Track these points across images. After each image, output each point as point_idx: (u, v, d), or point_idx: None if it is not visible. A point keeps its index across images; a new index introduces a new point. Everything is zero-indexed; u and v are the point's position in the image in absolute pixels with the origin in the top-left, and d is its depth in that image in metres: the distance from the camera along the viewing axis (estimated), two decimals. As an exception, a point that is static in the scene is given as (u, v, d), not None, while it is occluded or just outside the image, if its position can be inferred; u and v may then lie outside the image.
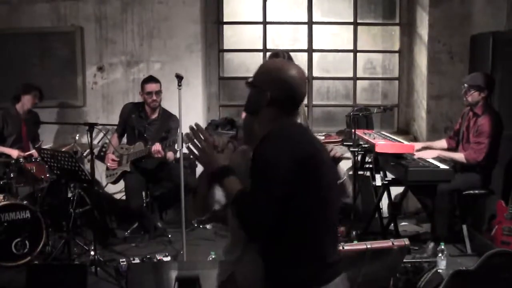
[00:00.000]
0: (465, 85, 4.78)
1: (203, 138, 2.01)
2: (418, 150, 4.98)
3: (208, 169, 2.01)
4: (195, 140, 2.02)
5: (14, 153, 5.08)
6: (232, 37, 6.65)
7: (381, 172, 5.10)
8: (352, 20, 6.51)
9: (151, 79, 5.23)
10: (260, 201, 1.85)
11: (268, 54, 6.51)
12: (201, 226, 5.69)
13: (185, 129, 4.49)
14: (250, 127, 2.09)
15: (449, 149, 5.10)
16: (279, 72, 2.03)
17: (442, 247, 4.26)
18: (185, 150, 4.87)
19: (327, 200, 2.01)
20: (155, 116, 5.30)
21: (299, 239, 1.96)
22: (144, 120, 5.29)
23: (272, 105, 2.00)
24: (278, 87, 2.00)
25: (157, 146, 4.92)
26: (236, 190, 1.92)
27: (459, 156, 4.76)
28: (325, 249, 2.02)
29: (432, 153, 4.87)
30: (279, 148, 1.91)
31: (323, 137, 5.45)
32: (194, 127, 2.03)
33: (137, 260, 4.40)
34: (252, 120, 2.08)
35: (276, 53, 5.14)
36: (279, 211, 1.87)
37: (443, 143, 5.18)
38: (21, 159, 5.02)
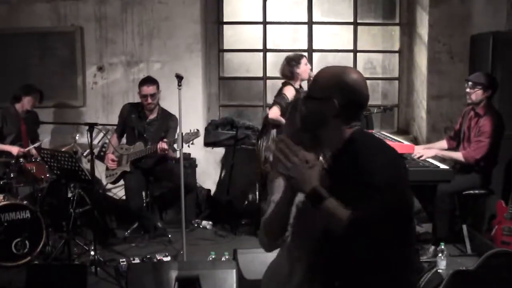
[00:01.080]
0: (469, 82, 4.75)
1: (294, 152, 1.77)
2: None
3: (301, 189, 1.79)
4: (283, 155, 1.78)
5: (14, 150, 5.09)
6: (232, 37, 6.65)
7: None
8: (352, 20, 6.51)
9: (146, 81, 5.20)
10: (378, 213, 1.76)
11: (268, 54, 6.54)
12: (201, 226, 5.70)
13: (185, 129, 4.54)
14: (304, 141, 1.96)
15: (449, 149, 5.09)
16: (341, 77, 1.94)
17: (442, 247, 4.26)
18: (185, 150, 4.90)
19: (411, 205, 1.97)
20: (154, 116, 5.30)
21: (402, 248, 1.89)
22: (143, 120, 5.29)
23: (341, 113, 1.91)
24: (345, 93, 1.91)
25: (162, 144, 4.92)
26: (344, 211, 1.75)
27: (457, 155, 4.76)
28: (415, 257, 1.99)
29: (431, 152, 4.86)
30: (388, 159, 1.87)
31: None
32: (281, 140, 1.80)
33: (137, 260, 4.40)
34: (309, 135, 1.98)
35: (300, 55, 5.22)
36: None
37: (443, 144, 5.17)
38: (21, 159, 5.02)
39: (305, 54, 6.46)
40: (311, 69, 5.26)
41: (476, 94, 4.70)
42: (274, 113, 5.02)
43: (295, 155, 1.76)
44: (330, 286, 1.88)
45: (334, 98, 1.90)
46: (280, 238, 1.94)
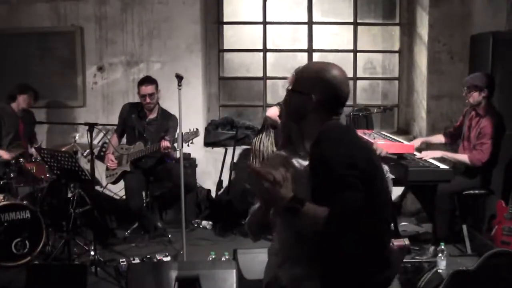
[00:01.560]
0: (464, 87, 4.78)
1: (263, 177, 1.80)
2: (419, 149, 4.97)
3: (277, 208, 1.85)
4: (256, 181, 1.83)
5: (5, 155, 5.04)
6: (232, 37, 6.65)
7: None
8: (352, 20, 6.51)
9: (145, 81, 5.21)
10: (349, 201, 1.81)
11: (268, 54, 6.53)
12: (201, 226, 5.70)
13: (184, 129, 4.54)
14: (292, 133, 2.06)
15: (446, 144, 5.09)
16: (321, 73, 2.01)
17: (442, 247, 4.26)
18: (185, 150, 4.90)
19: (381, 200, 1.99)
20: (153, 116, 5.30)
21: (361, 241, 1.91)
22: (143, 120, 5.29)
23: (318, 108, 1.98)
24: (323, 89, 1.98)
25: (165, 142, 4.91)
26: (321, 212, 1.79)
27: (463, 157, 4.75)
28: (384, 250, 2.03)
29: (436, 153, 4.86)
30: (349, 150, 1.90)
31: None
32: (252, 169, 1.83)
33: (137, 260, 4.40)
34: (295, 127, 2.05)
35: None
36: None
37: (440, 138, 5.17)
38: (21, 159, 5.02)
39: (305, 54, 6.49)
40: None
41: (473, 97, 4.72)
42: (272, 112, 5.01)
43: (266, 180, 1.78)
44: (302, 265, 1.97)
45: (313, 93, 1.97)
46: (261, 236, 2.12)
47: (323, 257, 1.91)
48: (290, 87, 2.07)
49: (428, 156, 4.79)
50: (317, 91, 1.97)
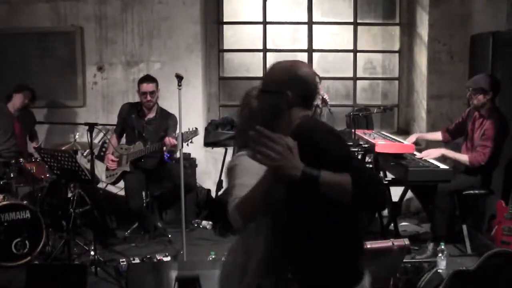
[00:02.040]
0: (470, 89, 4.76)
1: (275, 141, 1.75)
2: (419, 149, 4.96)
3: (291, 176, 1.78)
4: (264, 144, 1.76)
5: None
6: (232, 37, 6.65)
7: (381, 172, 5.10)
8: (352, 20, 6.51)
9: (146, 79, 5.21)
10: (375, 175, 1.99)
11: (268, 54, 6.53)
12: (201, 226, 5.70)
13: (184, 128, 4.54)
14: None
15: (444, 142, 5.09)
16: (292, 71, 2.06)
17: (442, 247, 4.25)
18: (185, 150, 4.89)
19: None
20: (152, 115, 5.30)
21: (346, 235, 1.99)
22: (142, 119, 5.29)
23: (294, 104, 2.02)
24: (296, 85, 2.02)
25: (171, 140, 4.91)
26: (346, 179, 1.82)
27: (464, 158, 4.74)
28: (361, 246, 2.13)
29: (437, 153, 4.86)
30: (340, 137, 2.04)
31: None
32: (259, 130, 1.77)
33: (137, 260, 4.40)
34: (270, 125, 2.01)
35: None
36: None
37: (438, 135, 5.17)
38: (21, 159, 5.02)
39: (305, 54, 6.49)
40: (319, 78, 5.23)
41: (478, 99, 4.69)
42: None
43: (278, 144, 1.76)
44: (284, 271, 2.00)
45: (288, 91, 2.00)
46: (254, 219, 2.04)
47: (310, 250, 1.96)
48: (262, 88, 2.09)
49: (429, 156, 4.79)
50: (292, 88, 2.01)
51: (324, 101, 5.05)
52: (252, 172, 2.01)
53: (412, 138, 5.13)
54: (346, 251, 2.00)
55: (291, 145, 1.78)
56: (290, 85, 2.02)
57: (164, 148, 5.10)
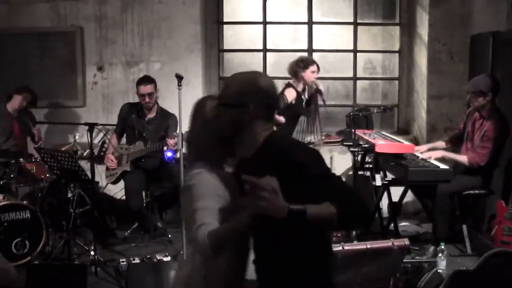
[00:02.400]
0: (469, 92, 4.76)
1: (260, 187, 1.73)
2: (417, 146, 4.97)
3: (279, 216, 1.75)
4: (252, 193, 1.75)
5: None
6: (232, 37, 6.65)
7: (381, 172, 5.10)
8: (352, 20, 6.51)
9: (143, 80, 5.21)
10: (357, 194, 1.92)
11: (268, 54, 6.53)
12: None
13: (184, 128, 4.51)
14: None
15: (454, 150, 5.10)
16: (253, 83, 2.00)
17: (442, 247, 4.26)
18: (185, 150, 4.88)
19: None
20: (152, 115, 5.30)
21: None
22: (142, 119, 5.29)
23: (256, 117, 1.98)
24: (259, 97, 1.98)
25: (172, 140, 4.89)
26: (330, 208, 1.81)
27: (463, 158, 4.75)
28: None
29: (437, 153, 4.86)
30: (315, 152, 2.03)
31: (324, 137, 5.50)
32: (246, 179, 1.75)
33: (137, 260, 4.39)
34: (231, 140, 2.05)
35: (304, 58, 5.18)
36: None
37: (442, 144, 5.17)
38: (21, 159, 5.02)
39: (305, 54, 6.49)
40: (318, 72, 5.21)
41: (478, 101, 4.70)
42: None
43: (264, 190, 1.72)
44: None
45: (250, 103, 1.96)
46: (224, 251, 1.99)
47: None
48: (222, 102, 2.03)
49: (432, 157, 4.79)
50: (253, 100, 1.97)
51: (318, 91, 5.04)
52: (212, 192, 2.02)
53: (424, 148, 5.10)
54: (315, 266, 1.99)
55: (275, 186, 1.74)
56: (251, 98, 1.97)
57: (165, 148, 5.10)
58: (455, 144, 5.09)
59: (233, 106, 1.98)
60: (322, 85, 5.09)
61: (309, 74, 5.06)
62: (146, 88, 5.15)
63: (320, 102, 5.10)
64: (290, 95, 5.03)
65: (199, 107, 2.19)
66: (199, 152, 2.14)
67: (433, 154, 4.85)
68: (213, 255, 1.95)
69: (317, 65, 5.13)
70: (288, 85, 5.13)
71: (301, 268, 1.98)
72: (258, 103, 1.97)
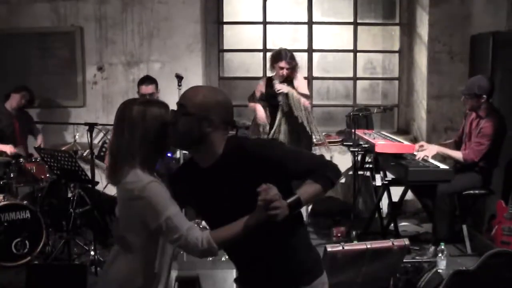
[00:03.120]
0: (463, 96, 4.79)
1: (275, 198, 1.94)
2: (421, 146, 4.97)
3: (285, 214, 1.98)
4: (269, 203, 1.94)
5: (8, 149, 5.07)
6: (232, 37, 6.65)
7: (381, 172, 5.10)
8: (352, 20, 6.51)
9: (145, 80, 5.21)
10: (328, 161, 2.16)
11: (268, 54, 6.52)
12: (201, 226, 5.69)
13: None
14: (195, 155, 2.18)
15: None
16: (214, 96, 2.09)
17: (442, 247, 4.26)
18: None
19: None
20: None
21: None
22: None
23: (215, 128, 2.06)
24: (220, 110, 2.07)
25: None
26: (314, 185, 2.06)
27: (458, 154, 4.77)
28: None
29: (432, 150, 4.86)
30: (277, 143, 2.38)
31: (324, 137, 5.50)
32: (264, 200, 1.94)
33: (137, 260, 4.39)
34: (190, 148, 2.16)
35: (278, 52, 5.18)
36: None
37: (451, 144, 5.17)
38: (21, 159, 5.02)
39: (305, 54, 6.49)
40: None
41: (471, 103, 4.73)
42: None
43: (278, 201, 1.93)
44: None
45: (212, 115, 2.04)
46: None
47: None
48: (184, 110, 2.08)
49: (427, 154, 4.79)
50: (215, 113, 2.05)
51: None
52: (169, 199, 2.08)
53: (433, 151, 5.11)
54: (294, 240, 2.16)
55: (277, 191, 1.93)
56: (213, 110, 2.05)
57: None
58: (459, 147, 5.09)
59: (193, 116, 2.04)
60: (284, 89, 5.10)
61: (277, 69, 5.15)
62: (148, 88, 5.15)
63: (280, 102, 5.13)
64: (257, 90, 5.32)
65: (127, 112, 2.17)
66: (129, 156, 2.12)
67: (428, 152, 4.84)
68: (215, 254, 2.10)
69: (289, 62, 5.11)
70: (263, 78, 5.40)
71: (283, 249, 2.14)
72: (218, 116, 2.06)
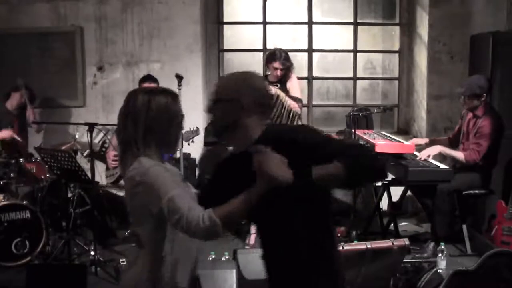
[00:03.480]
0: (462, 96, 4.79)
1: (283, 162, 1.85)
2: (417, 146, 4.97)
3: (289, 180, 1.85)
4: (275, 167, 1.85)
5: (6, 134, 5.06)
6: (232, 37, 6.65)
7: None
8: (352, 20, 6.51)
9: (147, 78, 5.22)
10: (360, 145, 2.11)
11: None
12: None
13: (185, 128, 4.52)
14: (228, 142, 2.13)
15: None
16: (244, 80, 2.07)
17: (442, 247, 4.26)
18: (185, 150, 4.89)
19: None
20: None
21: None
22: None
23: (248, 111, 2.03)
24: (249, 92, 2.03)
25: None
26: (336, 164, 1.89)
27: (460, 155, 4.78)
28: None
29: (435, 149, 4.86)
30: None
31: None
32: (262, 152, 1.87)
33: (137, 260, 4.39)
34: (224, 134, 2.10)
35: (273, 52, 5.17)
36: None
37: (445, 140, 5.18)
38: (21, 159, 5.02)
39: (305, 54, 6.49)
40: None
41: (473, 103, 4.73)
42: None
43: (283, 163, 1.83)
44: None
45: (241, 99, 2.01)
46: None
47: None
48: (214, 98, 2.10)
49: (429, 154, 4.80)
50: (244, 95, 2.02)
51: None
52: (172, 181, 1.99)
53: (422, 141, 5.13)
54: (323, 258, 2.04)
55: (280, 156, 1.85)
56: (242, 93, 2.02)
57: None
58: (454, 146, 5.10)
59: (224, 101, 2.04)
60: (273, 91, 5.08)
61: (271, 69, 5.14)
62: (150, 87, 5.14)
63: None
64: None
65: (131, 101, 2.12)
66: (133, 146, 2.07)
67: (431, 151, 4.84)
68: (223, 233, 1.94)
69: (283, 62, 5.09)
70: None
71: (309, 261, 2.01)
72: (249, 99, 2.02)
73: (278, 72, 5.09)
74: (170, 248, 2.10)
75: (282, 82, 5.15)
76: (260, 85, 2.08)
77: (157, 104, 2.08)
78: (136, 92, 2.15)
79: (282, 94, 5.03)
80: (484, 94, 4.69)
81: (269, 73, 5.21)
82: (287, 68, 5.12)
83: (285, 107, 4.95)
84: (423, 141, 5.24)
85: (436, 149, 4.87)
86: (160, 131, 2.08)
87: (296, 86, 5.21)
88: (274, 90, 5.06)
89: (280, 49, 5.19)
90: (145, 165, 2.01)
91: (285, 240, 2.04)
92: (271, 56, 5.12)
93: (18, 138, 5.19)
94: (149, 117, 2.06)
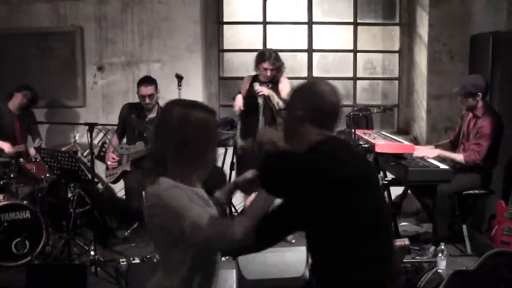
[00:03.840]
0: (459, 96, 4.81)
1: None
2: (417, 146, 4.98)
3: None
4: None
5: (6, 146, 5.07)
6: (232, 37, 6.65)
7: (381, 172, 5.10)
8: (352, 20, 6.51)
9: (144, 81, 5.22)
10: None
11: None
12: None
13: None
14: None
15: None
16: (307, 87, 2.09)
17: (442, 247, 4.25)
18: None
19: (378, 205, 2.05)
20: (153, 115, 5.30)
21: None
22: (143, 119, 5.29)
23: (305, 122, 2.01)
24: (307, 100, 2.03)
25: None
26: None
27: (459, 157, 4.78)
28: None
29: (433, 152, 4.87)
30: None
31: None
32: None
33: (137, 260, 4.39)
34: (287, 141, 2.11)
35: (262, 52, 5.18)
36: None
37: (447, 144, 5.18)
38: (21, 159, 5.02)
39: (305, 54, 6.49)
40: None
41: (468, 102, 4.75)
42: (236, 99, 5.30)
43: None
44: None
45: (300, 106, 2.02)
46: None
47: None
48: (283, 106, 2.22)
49: (426, 154, 4.80)
50: (302, 103, 2.03)
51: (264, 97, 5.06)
52: (190, 201, 1.86)
53: (434, 153, 5.12)
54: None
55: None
56: (301, 101, 2.03)
57: None
58: (455, 147, 5.10)
59: (287, 107, 2.13)
60: (265, 91, 5.07)
61: (261, 69, 5.14)
62: (147, 90, 5.15)
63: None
64: (243, 88, 5.30)
65: (167, 114, 1.96)
66: (161, 162, 1.92)
67: (429, 153, 4.85)
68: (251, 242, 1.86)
69: (273, 63, 5.08)
70: (248, 76, 5.35)
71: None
72: (307, 107, 2.01)
73: (268, 73, 5.09)
74: (195, 270, 1.94)
75: (273, 82, 5.14)
76: (322, 91, 2.03)
77: (193, 119, 1.89)
78: (173, 103, 1.99)
79: (275, 95, 5.03)
80: (480, 93, 4.69)
81: (260, 73, 5.19)
82: (277, 68, 5.11)
83: (276, 108, 4.99)
84: (427, 148, 5.22)
85: (435, 152, 4.88)
86: (193, 149, 1.89)
87: (287, 88, 5.20)
88: (266, 91, 5.07)
89: (270, 49, 5.20)
90: (161, 185, 1.88)
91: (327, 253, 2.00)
92: (261, 56, 5.12)
93: (19, 149, 5.17)
94: (184, 132, 1.88)
